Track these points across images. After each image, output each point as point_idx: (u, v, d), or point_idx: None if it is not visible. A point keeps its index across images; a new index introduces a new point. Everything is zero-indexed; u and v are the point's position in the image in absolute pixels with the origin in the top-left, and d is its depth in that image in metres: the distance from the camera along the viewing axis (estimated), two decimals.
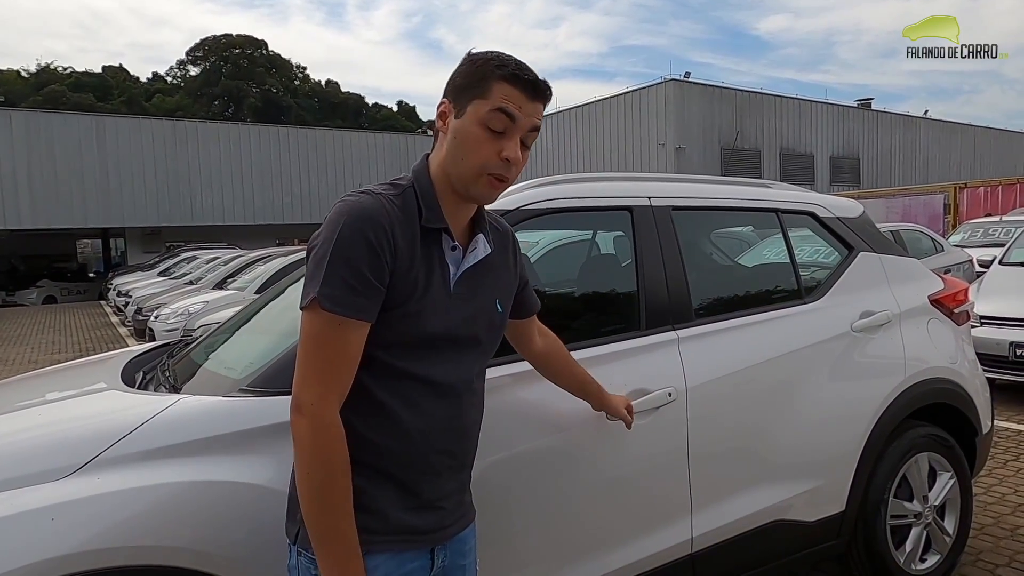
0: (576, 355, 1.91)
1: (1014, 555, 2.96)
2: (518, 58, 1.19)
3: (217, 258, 13.55)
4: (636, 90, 24.37)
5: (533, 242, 4.26)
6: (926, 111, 37.85)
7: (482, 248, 1.25)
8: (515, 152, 1.16)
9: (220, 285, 10.06)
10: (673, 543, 2.03)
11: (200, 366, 2.04)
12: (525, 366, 1.80)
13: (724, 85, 24.14)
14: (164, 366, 2.16)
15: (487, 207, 1.30)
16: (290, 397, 1.11)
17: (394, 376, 1.15)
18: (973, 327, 3.25)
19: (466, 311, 1.21)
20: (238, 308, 2.95)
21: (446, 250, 1.20)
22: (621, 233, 2.94)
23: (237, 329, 2.38)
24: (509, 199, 2.02)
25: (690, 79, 23.41)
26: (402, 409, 1.16)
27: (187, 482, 1.43)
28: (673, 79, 22.99)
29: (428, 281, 1.16)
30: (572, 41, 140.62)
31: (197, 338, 2.54)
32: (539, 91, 1.18)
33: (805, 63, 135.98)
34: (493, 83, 1.15)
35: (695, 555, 2.07)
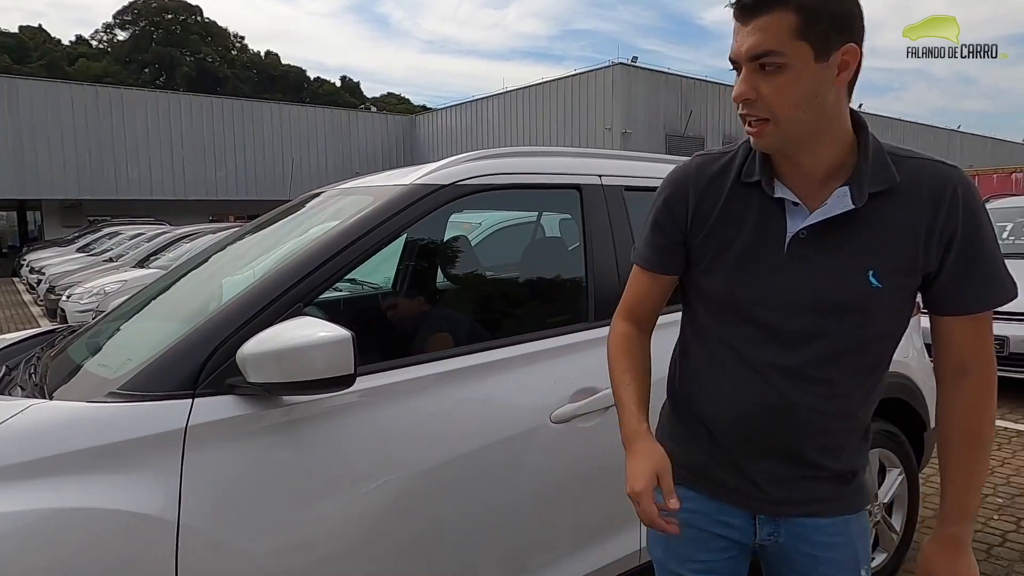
0: (518, 349, 1.70)
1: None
2: None
3: (141, 234, 12.74)
4: (584, 73, 24.21)
5: (476, 223, 4.04)
6: (860, 104, 39.13)
7: (838, 203, 1.02)
8: (738, 88, 1.02)
9: (143, 263, 9.42)
10: (623, 554, 1.86)
11: (76, 362, 1.73)
12: (465, 361, 1.57)
13: (670, 71, 24.24)
14: (33, 361, 1.83)
15: (911, 155, 1.06)
16: (173, 403, 1.22)
17: (700, 330, 1.19)
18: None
19: (801, 276, 1.06)
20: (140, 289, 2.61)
21: (785, 208, 1.08)
22: (568, 216, 2.75)
23: (133, 315, 2.06)
24: (443, 173, 1.78)
25: (637, 63, 23.40)
26: (702, 364, 1.20)
27: (27, 512, 1.15)
28: (620, 63, 22.93)
29: (735, 239, 1.10)
30: (522, 22, 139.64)
31: (83, 325, 2.21)
32: (744, 7, 1.00)
33: None
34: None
35: (646, 566, 1.90)
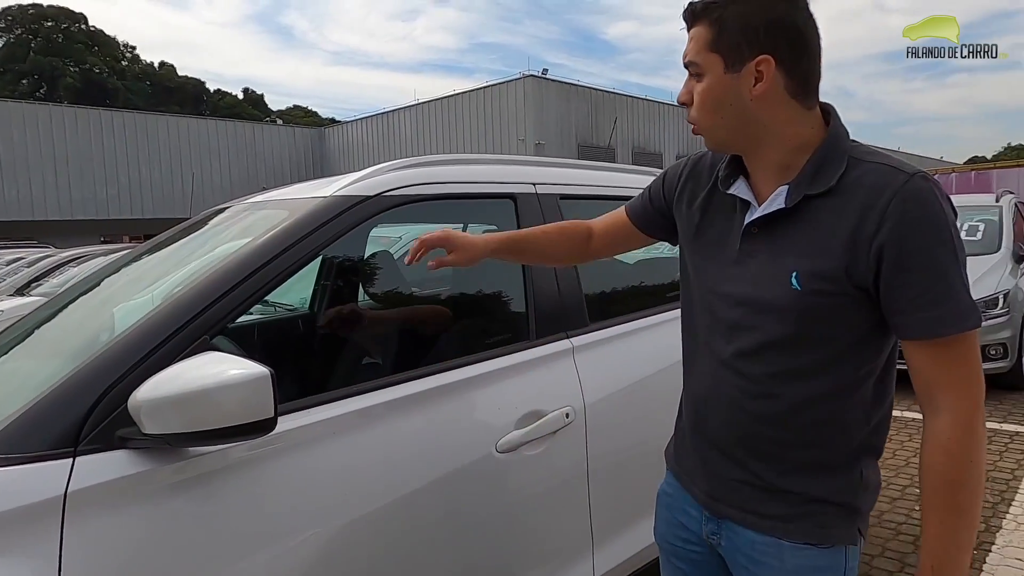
0: (455, 375, 1.56)
1: (886, 543, 3.00)
2: None
3: (21, 258, 11.62)
4: (495, 84, 24.34)
5: (396, 237, 3.85)
6: None
7: (773, 202, 1.04)
8: (680, 92, 1.09)
9: (22, 291, 8.56)
10: None
11: None
12: (399, 391, 1.42)
13: (580, 83, 24.76)
14: None
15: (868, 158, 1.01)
16: (48, 464, 1.06)
17: (685, 313, 1.24)
18: None
19: (743, 270, 1.07)
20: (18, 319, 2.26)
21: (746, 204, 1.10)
22: (495, 227, 2.63)
23: (4, 353, 1.76)
24: (367, 183, 1.61)
25: (547, 76, 23.75)
26: (684, 349, 1.25)
27: None
28: (531, 75, 23.21)
29: (708, 228, 1.16)
30: (431, 35, 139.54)
31: None
32: (685, 21, 1.07)
33: (650, 67, 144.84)
34: None
35: None
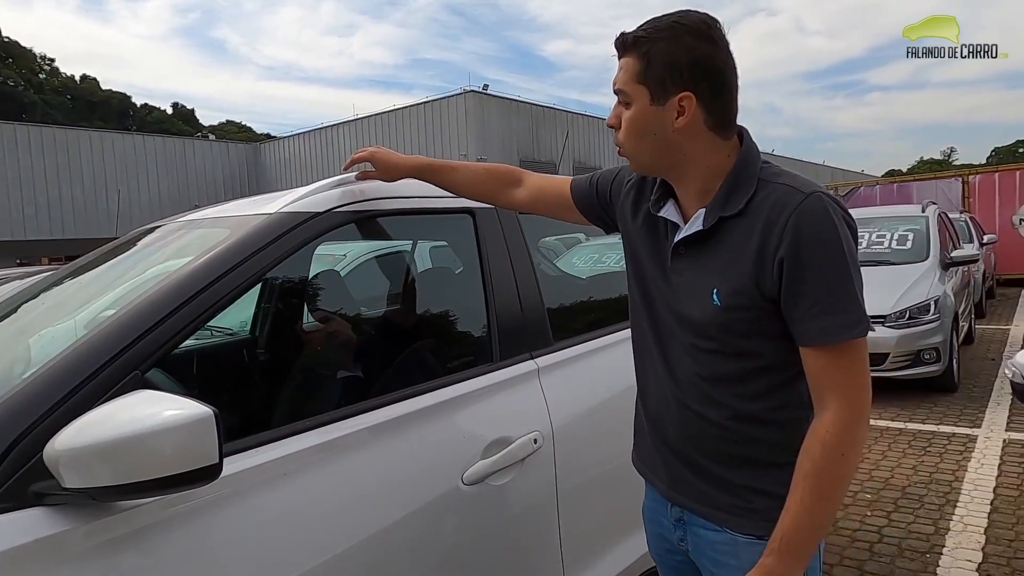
0: (413, 403, 1.46)
1: (843, 551, 3.02)
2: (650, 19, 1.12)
3: None
4: (436, 100, 24.26)
5: (340, 255, 3.69)
6: (772, 150, 42.53)
7: (693, 224, 1.13)
8: (609, 117, 1.17)
9: None
10: None
11: None
12: (356, 423, 1.31)
13: (521, 99, 24.95)
14: None
15: (778, 181, 1.09)
16: None
17: (633, 321, 1.32)
18: None
19: (672, 287, 1.17)
20: None
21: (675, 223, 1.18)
22: (443, 243, 2.53)
23: None
24: (315, 199, 1.50)
25: (488, 91, 23.84)
26: (636, 355, 1.33)
27: None
28: (472, 90, 23.24)
29: (641, 247, 1.25)
30: (368, 51, 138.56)
31: None
32: (616, 48, 1.14)
33: (587, 84, 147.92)
34: None
35: None
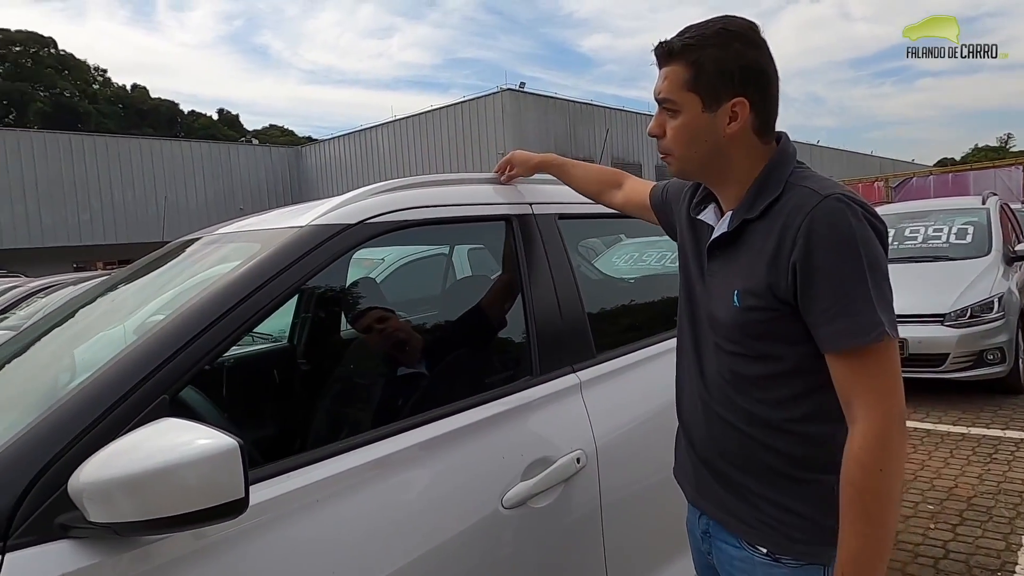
0: (449, 423, 1.40)
1: (904, 567, 2.86)
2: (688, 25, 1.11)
3: None
4: (473, 99, 24.30)
5: (378, 259, 3.66)
6: (818, 140, 41.69)
7: (721, 227, 1.15)
8: (651, 126, 1.17)
9: None
10: None
11: None
12: (392, 445, 1.25)
13: (558, 96, 24.79)
14: None
15: (799, 182, 1.07)
16: None
17: (678, 330, 1.32)
18: None
19: (706, 288, 1.19)
20: None
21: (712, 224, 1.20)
22: (480, 246, 2.46)
23: None
24: (347, 209, 1.45)
25: (525, 89, 23.76)
26: (678, 361, 1.33)
27: None
28: (509, 89, 23.21)
29: (686, 247, 1.27)
30: (405, 52, 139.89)
31: None
32: (656, 57, 1.13)
33: (625, 79, 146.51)
34: None
35: None
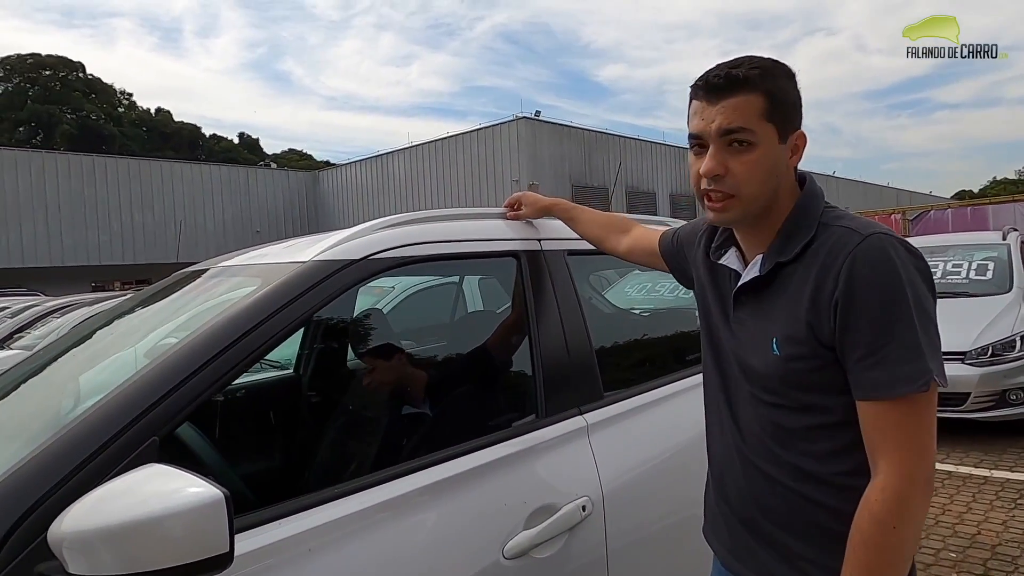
0: (449, 467, 1.35)
1: None
2: (724, 62, 1.06)
3: (6, 307, 11.36)
4: (489, 127, 24.54)
5: (389, 287, 3.65)
6: (834, 171, 41.66)
7: (751, 271, 1.09)
8: (708, 164, 1.04)
9: (5, 342, 8.29)
10: None
11: None
12: (390, 490, 1.21)
13: (573, 124, 24.98)
14: None
15: (836, 221, 1.03)
16: None
17: (704, 375, 1.26)
18: None
19: (735, 337, 1.12)
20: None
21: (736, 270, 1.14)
22: (496, 281, 2.43)
23: None
24: (351, 245, 1.42)
25: (540, 117, 23.97)
26: (706, 410, 1.26)
27: None
28: (525, 117, 23.42)
29: (706, 295, 1.22)
30: (424, 79, 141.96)
31: None
32: (713, 88, 1.03)
33: (641, 108, 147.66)
34: (691, 104, 1.09)
35: None
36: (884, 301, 0.92)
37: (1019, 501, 3.93)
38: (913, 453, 0.92)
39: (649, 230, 1.55)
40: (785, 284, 1.03)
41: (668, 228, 1.48)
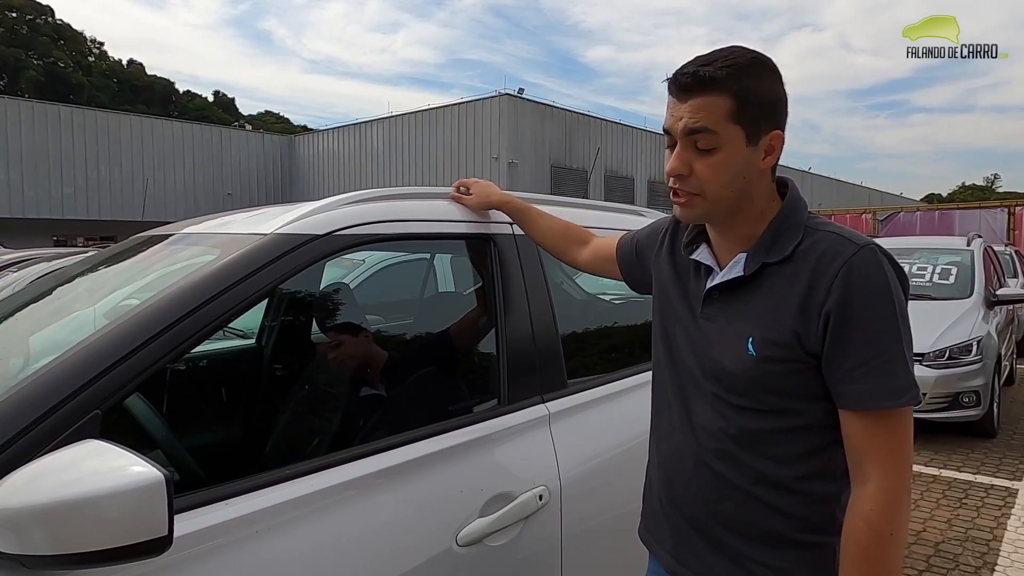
0: (407, 451, 1.33)
1: None
2: (699, 56, 1.03)
3: None
4: (471, 101, 24.24)
5: (359, 260, 3.58)
6: (809, 167, 41.96)
7: (732, 269, 1.07)
8: (673, 163, 1.04)
9: None
10: None
11: None
12: (343, 474, 1.18)
13: (555, 104, 24.78)
14: None
15: (827, 229, 1.03)
16: None
17: (655, 372, 1.24)
18: None
19: (704, 334, 1.10)
20: None
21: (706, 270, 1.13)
22: (463, 258, 2.39)
23: None
24: (315, 219, 1.37)
25: (524, 95, 23.74)
26: (653, 408, 1.25)
27: None
28: (508, 94, 23.16)
29: (671, 291, 1.19)
30: (409, 48, 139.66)
31: None
32: (681, 85, 1.01)
33: (626, 92, 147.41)
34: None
35: None
36: (877, 314, 0.94)
37: (964, 501, 4.06)
38: (902, 460, 0.96)
39: (605, 239, 1.49)
40: (768, 285, 1.02)
41: (627, 232, 1.42)
